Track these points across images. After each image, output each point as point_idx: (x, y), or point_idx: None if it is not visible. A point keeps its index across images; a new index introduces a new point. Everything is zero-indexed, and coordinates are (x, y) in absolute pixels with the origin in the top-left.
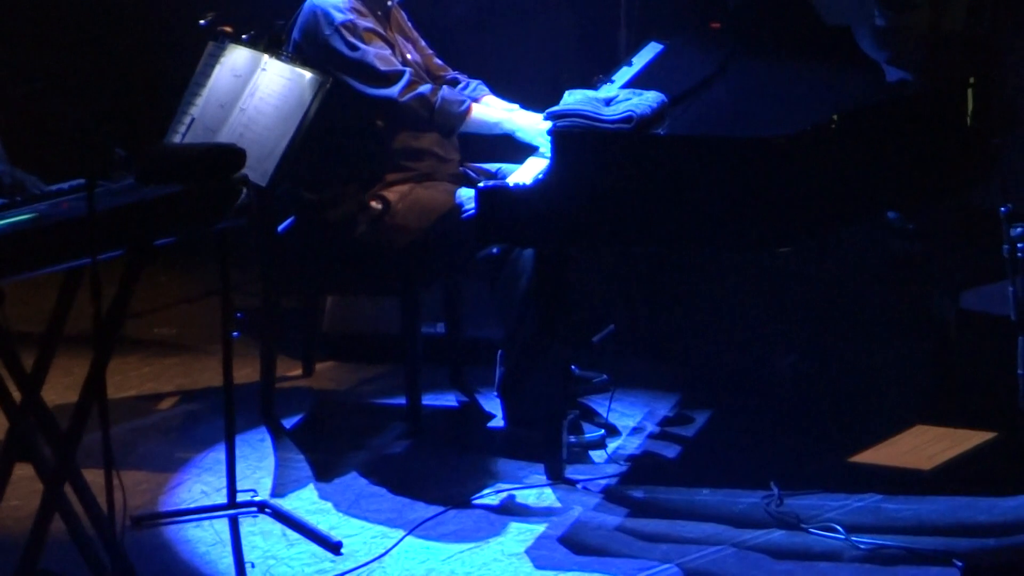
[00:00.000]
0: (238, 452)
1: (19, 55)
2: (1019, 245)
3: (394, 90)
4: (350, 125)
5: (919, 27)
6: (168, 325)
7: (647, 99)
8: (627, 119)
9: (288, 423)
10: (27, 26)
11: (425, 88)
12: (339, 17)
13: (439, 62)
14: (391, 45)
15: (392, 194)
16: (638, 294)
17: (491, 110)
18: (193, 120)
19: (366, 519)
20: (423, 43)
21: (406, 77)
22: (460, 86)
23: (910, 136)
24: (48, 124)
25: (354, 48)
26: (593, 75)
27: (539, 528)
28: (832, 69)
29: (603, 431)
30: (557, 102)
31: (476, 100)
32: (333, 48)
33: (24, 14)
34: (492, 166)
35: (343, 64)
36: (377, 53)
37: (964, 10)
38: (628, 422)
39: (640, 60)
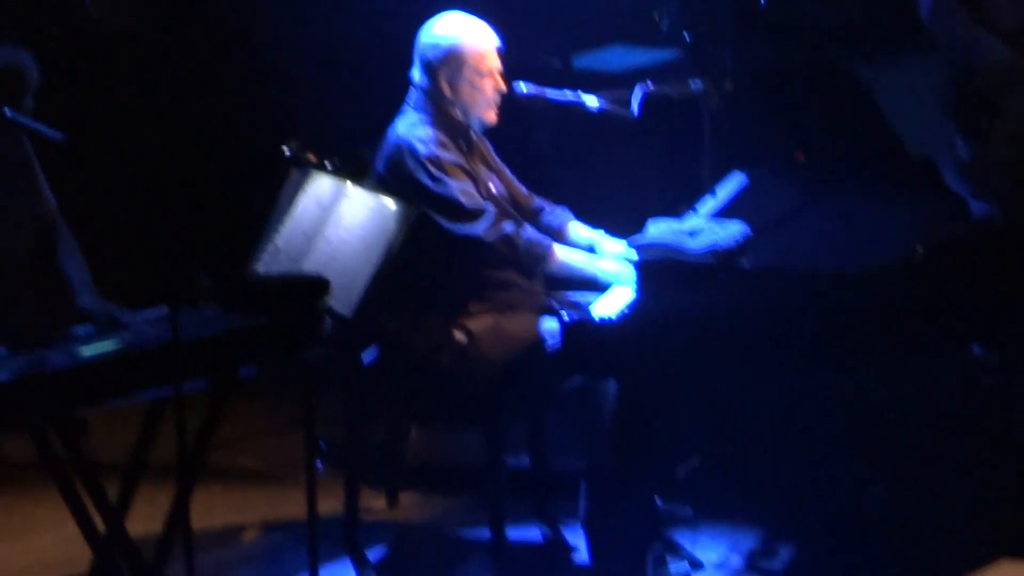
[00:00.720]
0: None
1: (104, 185)
2: None
3: (478, 228)
4: (435, 256)
5: (1004, 159)
6: (252, 456)
7: (731, 231)
8: (711, 251)
9: (372, 555)
10: (112, 153)
11: (509, 228)
12: (423, 150)
13: (524, 190)
14: (475, 178)
15: (476, 325)
16: (722, 426)
17: (574, 253)
18: (277, 249)
19: None
20: (507, 172)
21: (490, 216)
22: (545, 213)
23: (995, 269)
24: (134, 252)
25: (439, 182)
26: (677, 206)
27: None
28: (916, 201)
29: (688, 565)
30: (641, 232)
31: (561, 227)
32: (418, 182)
33: (112, 142)
34: (576, 295)
35: (427, 198)
36: (461, 188)
37: None
38: (712, 556)
39: (724, 191)
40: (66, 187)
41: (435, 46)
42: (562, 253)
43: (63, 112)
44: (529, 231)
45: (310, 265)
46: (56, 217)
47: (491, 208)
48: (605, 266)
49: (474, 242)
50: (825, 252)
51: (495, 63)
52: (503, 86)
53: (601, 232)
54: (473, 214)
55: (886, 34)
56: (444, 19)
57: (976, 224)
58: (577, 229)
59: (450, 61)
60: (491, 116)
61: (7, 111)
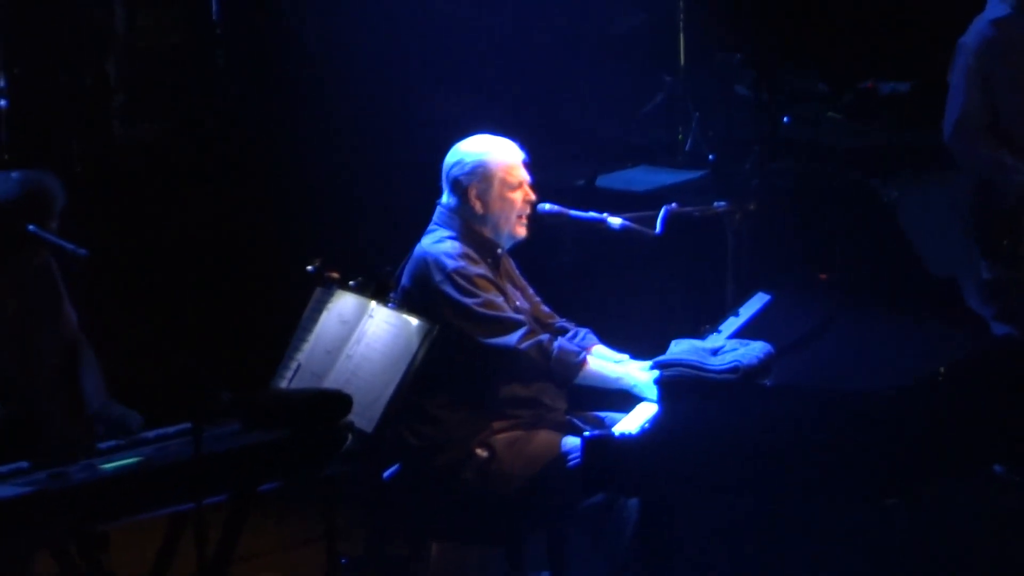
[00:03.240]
0: None
1: (128, 300)
2: None
3: (512, 338)
4: (457, 372)
5: None
6: (273, 571)
7: (753, 350)
8: (734, 369)
9: None
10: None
11: (543, 337)
12: (451, 264)
13: (546, 310)
14: (502, 292)
15: (498, 441)
16: (744, 546)
17: (606, 364)
18: (300, 365)
19: None
20: (531, 291)
21: (524, 326)
22: (568, 335)
23: (1017, 390)
24: (156, 367)
25: (468, 294)
26: (700, 325)
27: None
28: (938, 321)
29: None
30: (664, 351)
31: (585, 348)
32: (446, 295)
33: (136, 258)
34: (599, 414)
35: (457, 311)
36: (490, 300)
37: None
38: None
39: (747, 311)
40: (89, 300)
41: (463, 163)
42: (594, 363)
43: (88, 229)
44: (561, 341)
45: (332, 382)
46: (77, 334)
47: (523, 319)
48: (637, 376)
49: (504, 353)
50: (847, 371)
51: (523, 175)
52: (533, 196)
53: (625, 356)
54: (505, 325)
55: (909, 155)
56: (471, 139)
57: (998, 345)
58: (601, 351)
59: (479, 176)
60: (520, 230)
61: (31, 227)
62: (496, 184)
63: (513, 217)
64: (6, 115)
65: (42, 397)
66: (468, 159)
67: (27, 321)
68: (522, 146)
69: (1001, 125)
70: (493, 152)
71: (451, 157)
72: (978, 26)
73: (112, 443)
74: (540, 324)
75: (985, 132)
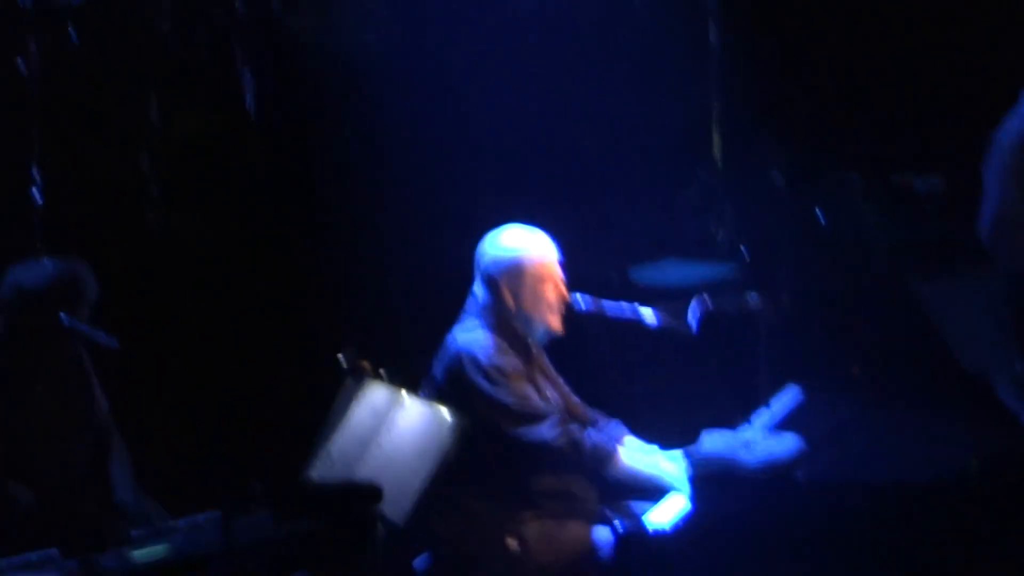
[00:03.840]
0: None
1: (162, 391)
2: None
3: (543, 430)
4: (490, 463)
5: None
6: None
7: (786, 444)
8: (766, 463)
9: None
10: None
11: (575, 430)
12: (483, 356)
13: (578, 402)
14: (534, 384)
15: (529, 532)
16: None
17: (638, 456)
18: (331, 456)
19: None
20: (563, 384)
21: (555, 418)
22: (599, 426)
23: None
24: (188, 456)
25: (500, 387)
26: (732, 418)
27: None
28: (971, 415)
29: None
30: (696, 443)
31: (616, 441)
32: (478, 387)
33: (169, 349)
34: (630, 504)
35: (488, 403)
36: (522, 393)
37: None
38: None
39: (779, 404)
40: (121, 390)
41: (496, 258)
42: (626, 456)
43: (120, 320)
44: (593, 435)
45: (363, 472)
46: (108, 422)
47: (555, 412)
48: (668, 469)
49: (536, 446)
50: (879, 466)
51: (557, 272)
52: (566, 293)
53: (655, 448)
54: (537, 417)
55: (944, 252)
56: (504, 232)
57: None
58: (631, 443)
59: (512, 272)
60: (555, 323)
61: (64, 317)
62: (529, 280)
63: (546, 313)
64: (41, 208)
65: (72, 485)
66: (502, 253)
67: (58, 410)
68: (556, 239)
69: None
70: (527, 247)
71: (484, 249)
72: (1013, 120)
73: (142, 531)
74: (572, 416)
75: (1020, 228)
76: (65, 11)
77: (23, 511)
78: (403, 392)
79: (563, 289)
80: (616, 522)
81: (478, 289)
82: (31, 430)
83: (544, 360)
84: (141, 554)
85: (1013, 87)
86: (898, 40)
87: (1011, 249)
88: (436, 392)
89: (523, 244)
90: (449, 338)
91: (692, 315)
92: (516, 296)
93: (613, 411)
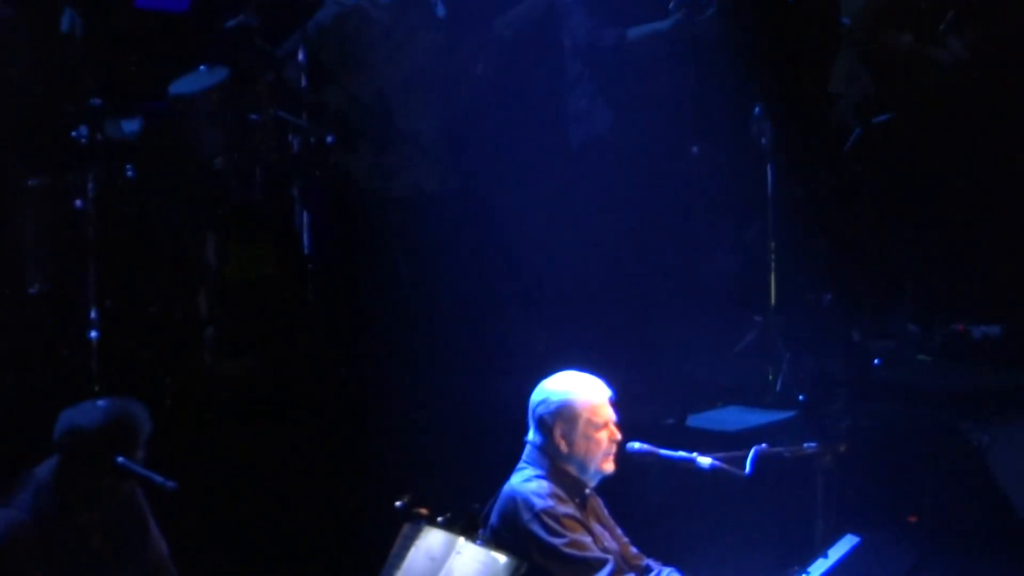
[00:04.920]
0: None
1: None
2: None
3: None
4: None
5: None
6: None
7: None
8: None
9: None
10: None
11: None
12: (539, 503)
13: (635, 551)
14: (590, 532)
15: None
16: None
17: None
18: None
19: None
20: (619, 531)
21: (610, 565)
22: (653, 574)
23: None
24: None
25: (555, 534)
26: (788, 566)
27: None
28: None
29: None
30: None
31: None
32: (533, 534)
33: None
34: None
35: (544, 551)
36: (578, 540)
37: None
38: None
39: (836, 552)
40: (178, 532)
41: (548, 402)
42: None
43: (177, 461)
44: None
45: None
46: (167, 563)
47: (610, 558)
48: None
49: None
50: None
51: (609, 414)
52: (618, 436)
53: None
54: (592, 565)
55: (1000, 399)
56: (556, 377)
57: None
58: None
59: (564, 415)
60: (608, 466)
61: (119, 459)
62: (581, 424)
63: (599, 456)
64: (97, 346)
65: None
66: (553, 398)
67: (112, 556)
68: (610, 383)
69: None
70: (578, 391)
71: (537, 396)
72: None
73: None
74: (627, 564)
75: None
76: (122, 146)
77: None
78: (460, 538)
79: (615, 433)
80: None
81: (532, 434)
82: (83, 571)
83: (600, 506)
84: None
85: None
86: (956, 192)
87: None
88: (492, 538)
89: (575, 388)
90: (506, 485)
91: (748, 462)
92: (568, 441)
93: (669, 559)
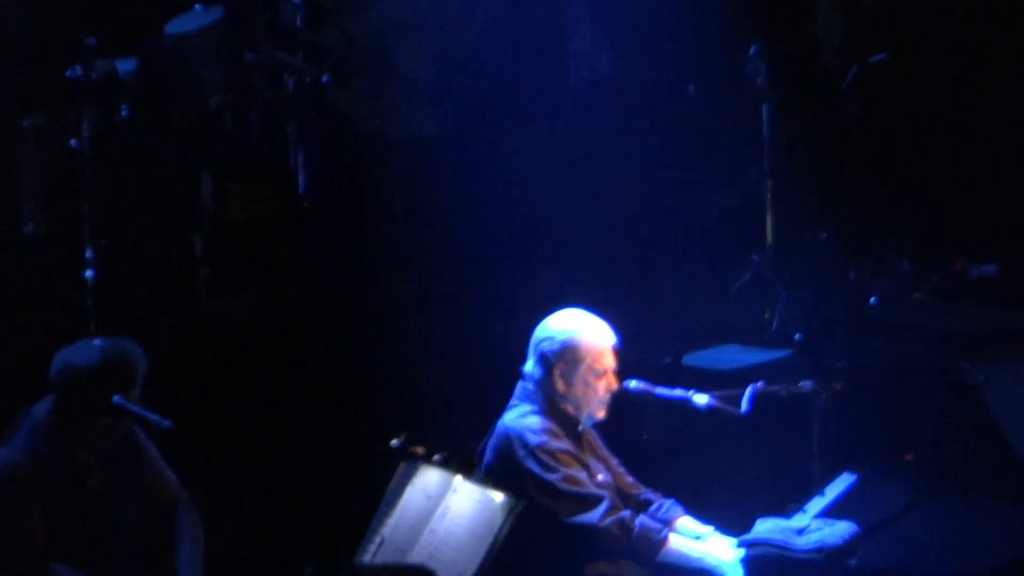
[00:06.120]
0: None
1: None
2: None
3: (594, 515)
4: (541, 547)
5: None
6: None
7: (838, 530)
8: (819, 550)
9: None
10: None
11: (625, 514)
12: (533, 439)
13: (631, 480)
14: (585, 466)
15: None
16: None
17: (689, 542)
18: (383, 540)
19: None
20: (615, 462)
21: (606, 502)
22: (654, 507)
23: None
24: (238, 538)
25: (550, 469)
26: (785, 504)
27: None
28: (1018, 502)
29: None
30: (749, 528)
31: (670, 521)
32: (528, 470)
33: (223, 431)
34: None
35: (539, 487)
36: (572, 476)
37: None
38: None
39: (833, 490)
40: (185, 473)
41: (552, 339)
42: (676, 541)
43: (173, 399)
44: (644, 518)
45: (415, 556)
46: (177, 494)
47: (606, 495)
48: (720, 555)
49: (586, 531)
50: (933, 554)
51: (610, 362)
52: (615, 386)
53: (711, 528)
54: (587, 502)
55: (998, 338)
56: (562, 314)
57: None
58: (687, 524)
59: (567, 356)
60: (599, 412)
61: (116, 398)
62: (583, 368)
63: (594, 402)
64: (93, 286)
65: (125, 566)
66: (559, 337)
67: (109, 494)
68: (612, 325)
69: None
70: (584, 334)
71: (542, 331)
72: None
73: None
74: (624, 495)
75: None
76: (117, 86)
77: None
78: (456, 476)
79: (613, 381)
80: None
81: (531, 368)
82: (81, 513)
83: (596, 440)
84: None
85: None
86: (953, 129)
87: None
88: (488, 475)
89: (582, 329)
90: (500, 422)
91: (745, 401)
92: (567, 379)
93: (668, 491)
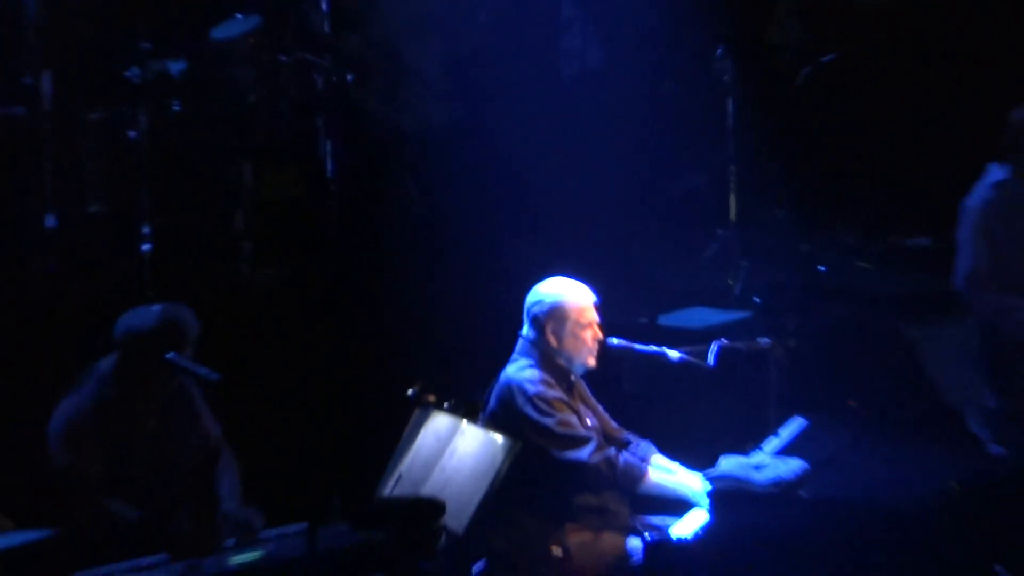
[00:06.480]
0: None
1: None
2: None
3: (583, 452)
4: (538, 482)
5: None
6: None
7: (792, 466)
8: (775, 483)
9: None
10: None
11: (610, 451)
12: (532, 389)
13: (614, 424)
14: (576, 412)
15: (571, 541)
16: None
17: (665, 475)
18: (401, 475)
19: None
20: (601, 409)
21: (593, 442)
22: (632, 446)
23: (1010, 501)
24: (277, 474)
25: (546, 415)
26: (745, 444)
27: None
28: (949, 443)
29: None
30: (714, 465)
31: (646, 459)
32: (527, 416)
33: (266, 382)
34: (657, 517)
35: (536, 429)
36: (565, 420)
37: None
38: None
39: (786, 432)
40: (231, 417)
41: (542, 303)
42: (654, 474)
43: (220, 357)
44: (626, 455)
45: (428, 489)
46: (219, 443)
47: (593, 436)
48: (691, 486)
49: (577, 466)
50: (873, 485)
51: (593, 316)
52: (600, 335)
53: (679, 464)
54: (578, 441)
55: (929, 301)
56: (550, 281)
57: (996, 464)
58: (659, 461)
59: (555, 315)
60: (590, 361)
61: (171, 355)
62: (569, 324)
63: (584, 351)
64: (148, 258)
65: (177, 502)
66: (547, 300)
67: (164, 438)
68: (594, 288)
69: (1004, 274)
70: (568, 295)
71: (532, 297)
72: (980, 190)
73: (233, 541)
74: (609, 437)
75: (991, 281)
76: (169, 84)
77: (130, 525)
78: (463, 421)
79: (598, 331)
80: (645, 533)
81: (526, 330)
82: (139, 454)
83: (584, 390)
84: (238, 559)
85: (981, 164)
86: (890, 122)
87: (981, 299)
88: (491, 421)
89: (566, 292)
90: (502, 374)
91: (711, 355)
92: (557, 337)
93: (643, 434)
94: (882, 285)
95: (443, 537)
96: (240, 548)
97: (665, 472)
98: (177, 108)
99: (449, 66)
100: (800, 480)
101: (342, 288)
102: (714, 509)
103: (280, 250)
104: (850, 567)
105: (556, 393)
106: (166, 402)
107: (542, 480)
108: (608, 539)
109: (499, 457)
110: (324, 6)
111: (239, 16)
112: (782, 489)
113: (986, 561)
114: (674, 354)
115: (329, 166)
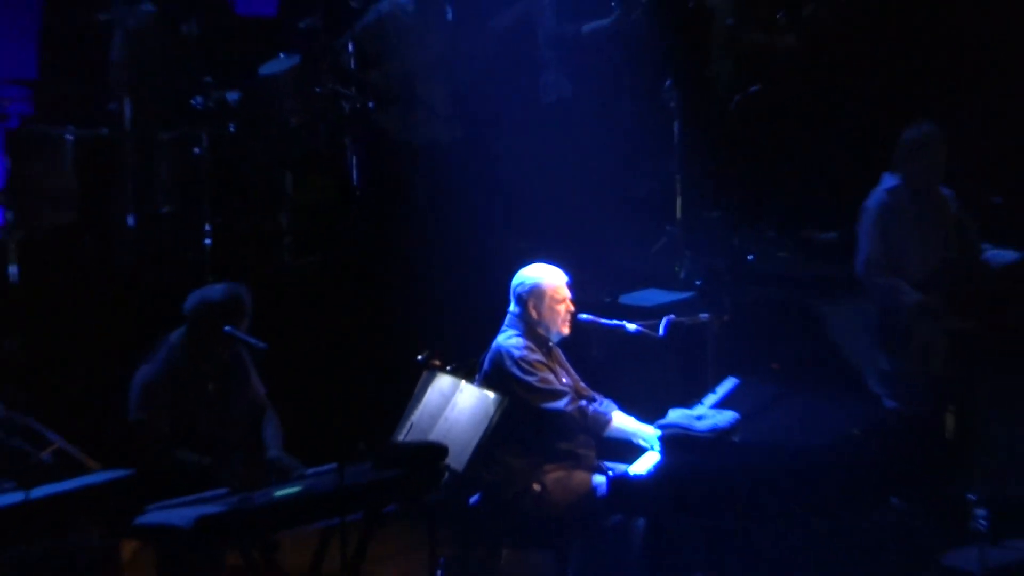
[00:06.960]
0: None
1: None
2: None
3: (561, 403)
4: (523, 430)
5: (912, 369)
6: (394, 567)
7: (726, 417)
8: (712, 430)
9: None
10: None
11: (582, 403)
12: (517, 353)
13: (583, 384)
14: (553, 372)
15: (548, 479)
16: (725, 554)
17: (625, 420)
18: (412, 425)
19: None
20: (572, 372)
21: (569, 396)
22: (597, 403)
23: (904, 445)
24: (314, 423)
25: (529, 374)
26: (689, 399)
27: None
28: (852, 398)
29: None
30: (664, 417)
31: (607, 413)
32: (514, 375)
33: (305, 349)
34: (619, 466)
35: (521, 386)
36: (545, 377)
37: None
38: None
39: (722, 389)
40: (270, 378)
41: (524, 284)
42: (618, 421)
43: (268, 329)
44: (594, 407)
45: (434, 436)
46: (264, 401)
47: (569, 391)
48: (646, 432)
49: (556, 414)
50: (792, 432)
51: (566, 293)
52: (573, 308)
53: (634, 419)
54: (556, 394)
55: (836, 285)
56: (530, 266)
57: (889, 415)
58: (619, 416)
59: (535, 293)
60: (565, 329)
61: (227, 328)
62: (547, 300)
63: (559, 321)
64: (210, 251)
65: (232, 449)
66: (528, 281)
67: (222, 397)
68: (567, 271)
69: (894, 264)
70: (545, 276)
71: (517, 279)
72: (876, 193)
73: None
74: (579, 395)
75: (883, 268)
76: (227, 111)
77: (194, 468)
78: (462, 381)
79: (570, 306)
80: (609, 471)
81: (512, 306)
82: (201, 411)
83: (560, 355)
84: (281, 493)
85: (877, 173)
86: (804, 139)
87: (876, 282)
88: (485, 380)
89: (543, 274)
90: (494, 342)
91: (662, 328)
92: (538, 311)
93: (606, 393)
94: (798, 270)
95: (446, 475)
96: (283, 484)
97: (627, 419)
98: (233, 130)
99: (453, 96)
100: (733, 428)
101: (365, 273)
102: (664, 451)
103: (315, 243)
104: (773, 499)
105: (537, 356)
106: (224, 368)
107: (526, 429)
108: (579, 477)
109: (491, 410)
110: (351, 48)
111: (282, 56)
112: (719, 435)
113: (883, 493)
114: (632, 327)
115: (354, 176)
